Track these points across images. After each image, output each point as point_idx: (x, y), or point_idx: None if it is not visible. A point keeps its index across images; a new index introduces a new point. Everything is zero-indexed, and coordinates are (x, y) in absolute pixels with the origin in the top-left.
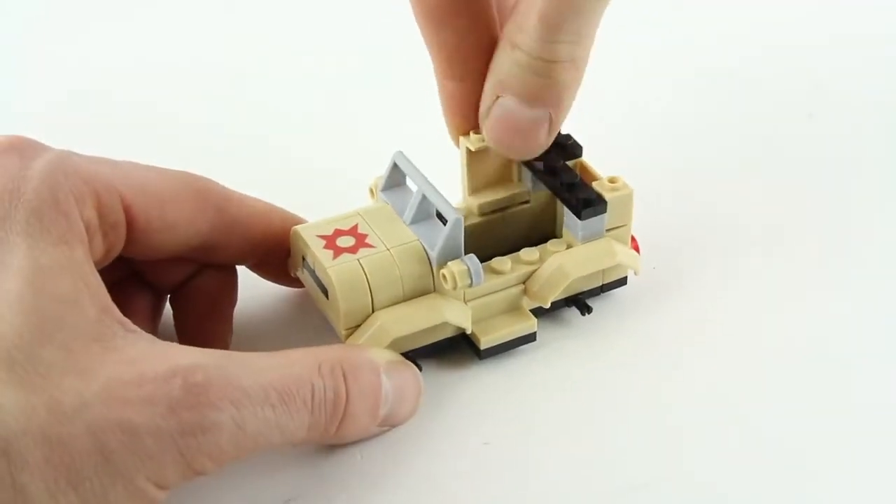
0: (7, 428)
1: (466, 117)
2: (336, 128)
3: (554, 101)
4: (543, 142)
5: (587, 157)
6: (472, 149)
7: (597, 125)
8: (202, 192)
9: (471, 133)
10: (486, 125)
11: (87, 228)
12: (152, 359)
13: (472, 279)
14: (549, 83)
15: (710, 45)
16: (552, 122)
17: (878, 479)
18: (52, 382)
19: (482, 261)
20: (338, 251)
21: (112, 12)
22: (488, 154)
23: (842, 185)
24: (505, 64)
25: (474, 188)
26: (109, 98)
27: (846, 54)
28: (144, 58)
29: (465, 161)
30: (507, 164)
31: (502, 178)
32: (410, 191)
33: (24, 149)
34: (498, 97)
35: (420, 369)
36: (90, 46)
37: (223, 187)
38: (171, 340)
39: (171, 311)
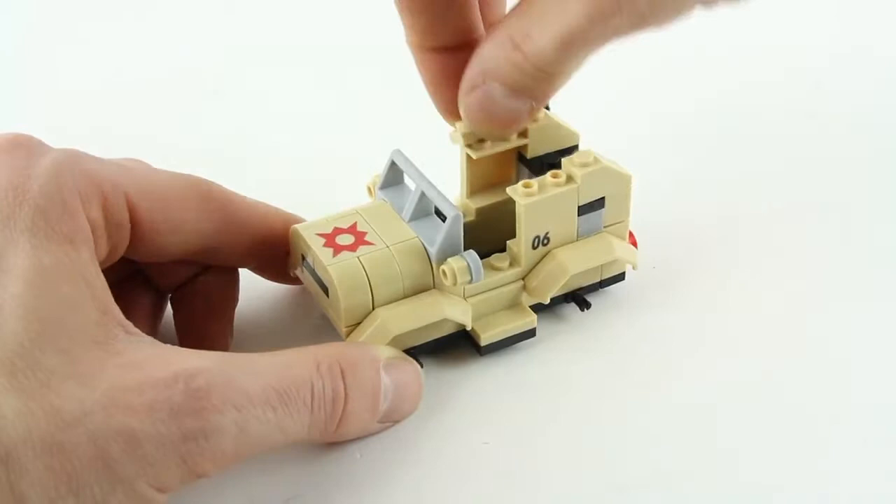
0: (7, 436)
1: (453, 89)
2: (334, 126)
3: (540, 97)
4: (520, 128)
5: None
6: (474, 157)
7: (597, 125)
8: (206, 194)
9: (473, 141)
10: (465, 103)
11: (93, 228)
12: (153, 363)
13: (472, 275)
14: (541, 86)
15: (712, 44)
16: (532, 111)
17: (879, 479)
18: (53, 389)
19: (481, 258)
20: (337, 249)
21: (111, 13)
22: (489, 159)
23: (845, 186)
24: (500, 58)
25: (473, 190)
26: (109, 99)
27: (847, 57)
28: (144, 58)
29: (464, 166)
30: (507, 165)
31: (501, 180)
32: (408, 189)
33: (30, 147)
34: (484, 81)
35: (421, 366)
36: (90, 48)
37: (226, 190)
38: (172, 340)
39: (172, 311)
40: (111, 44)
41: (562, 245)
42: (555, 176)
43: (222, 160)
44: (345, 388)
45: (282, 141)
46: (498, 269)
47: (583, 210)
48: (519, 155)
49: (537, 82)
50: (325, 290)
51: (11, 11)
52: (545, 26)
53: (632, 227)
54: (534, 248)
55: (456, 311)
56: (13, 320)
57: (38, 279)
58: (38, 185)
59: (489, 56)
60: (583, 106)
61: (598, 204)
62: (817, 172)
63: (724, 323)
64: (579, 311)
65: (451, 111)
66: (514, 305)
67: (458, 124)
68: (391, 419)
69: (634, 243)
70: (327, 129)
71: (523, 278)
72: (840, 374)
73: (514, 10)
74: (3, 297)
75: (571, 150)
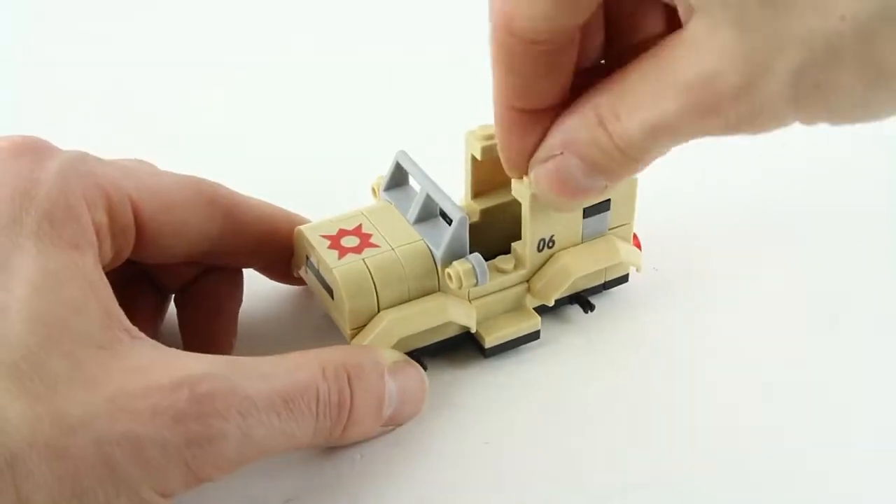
0: (12, 440)
1: (526, 147)
2: (338, 127)
3: (615, 179)
4: (585, 203)
5: None
6: (479, 158)
7: None
8: (211, 196)
9: (477, 132)
10: (538, 169)
11: (98, 232)
12: (158, 368)
13: (477, 278)
14: (619, 168)
15: None
16: (603, 190)
17: (877, 482)
18: (58, 393)
19: (485, 259)
20: (343, 251)
21: (113, 12)
22: (493, 161)
23: (845, 186)
24: (582, 132)
25: (477, 192)
26: (110, 100)
27: None
28: (145, 59)
29: (469, 167)
30: None
31: (505, 182)
32: (413, 190)
33: (37, 150)
34: (562, 153)
35: (425, 369)
36: (90, 48)
37: (230, 191)
38: (176, 340)
39: (176, 311)
40: (112, 44)
41: (567, 247)
42: None
43: (227, 161)
44: (350, 394)
45: (286, 141)
46: (503, 272)
47: (588, 212)
48: None
49: (617, 164)
50: (330, 292)
51: (11, 11)
52: (636, 110)
53: (635, 230)
54: (539, 250)
55: (460, 314)
56: (19, 324)
57: (43, 283)
58: (45, 190)
59: (572, 128)
60: None
61: (604, 206)
62: (821, 176)
63: (725, 324)
64: (583, 313)
65: (518, 166)
66: (518, 307)
67: (526, 180)
68: (394, 423)
69: (638, 245)
70: (332, 129)
71: (528, 280)
72: (843, 374)
73: (604, 84)
74: (8, 301)
75: None
